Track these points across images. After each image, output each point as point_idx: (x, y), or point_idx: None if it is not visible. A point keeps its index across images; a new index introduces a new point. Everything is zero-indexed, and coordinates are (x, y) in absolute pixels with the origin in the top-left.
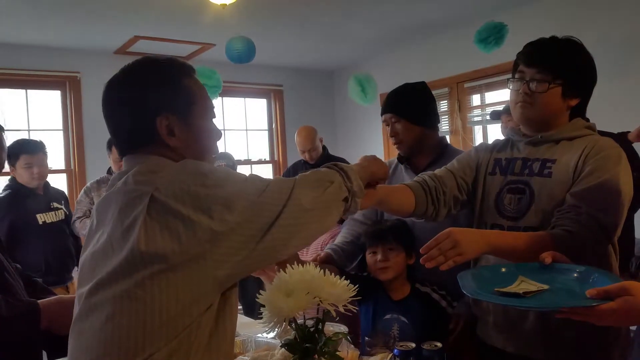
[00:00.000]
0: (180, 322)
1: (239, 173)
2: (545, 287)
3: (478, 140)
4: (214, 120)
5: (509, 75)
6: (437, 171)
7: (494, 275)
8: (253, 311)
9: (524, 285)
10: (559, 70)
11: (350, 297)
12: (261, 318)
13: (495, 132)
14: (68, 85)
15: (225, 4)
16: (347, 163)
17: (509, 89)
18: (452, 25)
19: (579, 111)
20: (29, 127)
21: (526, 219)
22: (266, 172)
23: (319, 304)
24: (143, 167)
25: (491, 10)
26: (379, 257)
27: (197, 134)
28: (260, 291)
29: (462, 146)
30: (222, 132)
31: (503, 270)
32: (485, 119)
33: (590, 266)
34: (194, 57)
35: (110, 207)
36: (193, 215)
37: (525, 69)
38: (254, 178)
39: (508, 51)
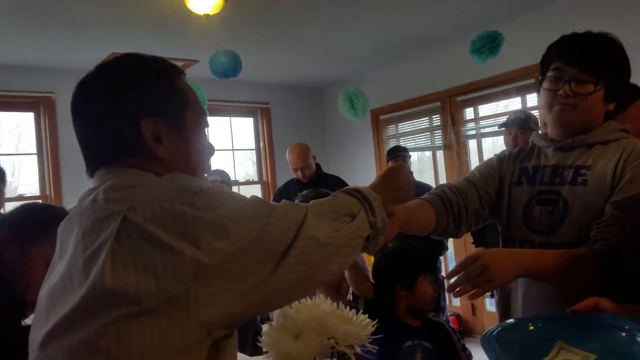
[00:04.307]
0: None
1: (237, 193)
2: (593, 357)
3: (473, 154)
4: (206, 131)
5: (503, 88)
6: (457, 183)
7: (523, 338)
8: (245, 345)
9: (565, 354)
10: (602, 70)
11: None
12: (257, 354)
13: (490, 146)
14: (42, 107)
15: (209, 14)
16: (342, 181)
17: (544, 88)
18: (443, 39)
19: (611, 116)
20: None
21: (560, 234)
22: (255, 193)
23: (333, 347)
24: (117, 181)
25: (483, 24)
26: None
27: (188, 145)
28: (262, 332)
29: (456, 161)
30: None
31: (531, 328)
32: (480, 132)
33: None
34: None
35: (74, 231)
36: (175, 243)
37: (565, 68)
38: (255, 201)
39: (501, 63)
